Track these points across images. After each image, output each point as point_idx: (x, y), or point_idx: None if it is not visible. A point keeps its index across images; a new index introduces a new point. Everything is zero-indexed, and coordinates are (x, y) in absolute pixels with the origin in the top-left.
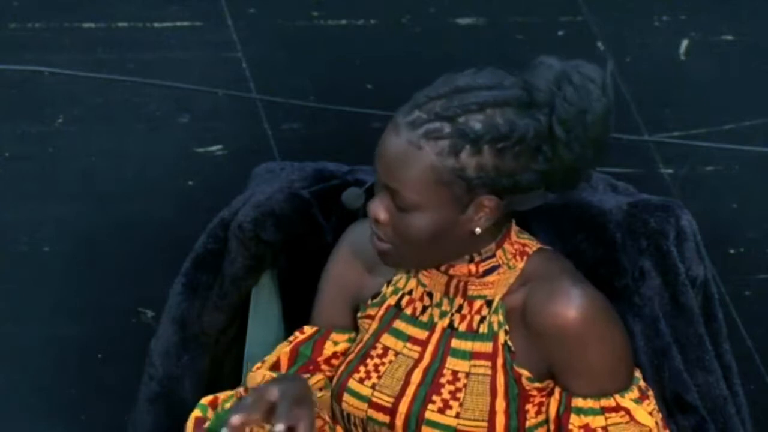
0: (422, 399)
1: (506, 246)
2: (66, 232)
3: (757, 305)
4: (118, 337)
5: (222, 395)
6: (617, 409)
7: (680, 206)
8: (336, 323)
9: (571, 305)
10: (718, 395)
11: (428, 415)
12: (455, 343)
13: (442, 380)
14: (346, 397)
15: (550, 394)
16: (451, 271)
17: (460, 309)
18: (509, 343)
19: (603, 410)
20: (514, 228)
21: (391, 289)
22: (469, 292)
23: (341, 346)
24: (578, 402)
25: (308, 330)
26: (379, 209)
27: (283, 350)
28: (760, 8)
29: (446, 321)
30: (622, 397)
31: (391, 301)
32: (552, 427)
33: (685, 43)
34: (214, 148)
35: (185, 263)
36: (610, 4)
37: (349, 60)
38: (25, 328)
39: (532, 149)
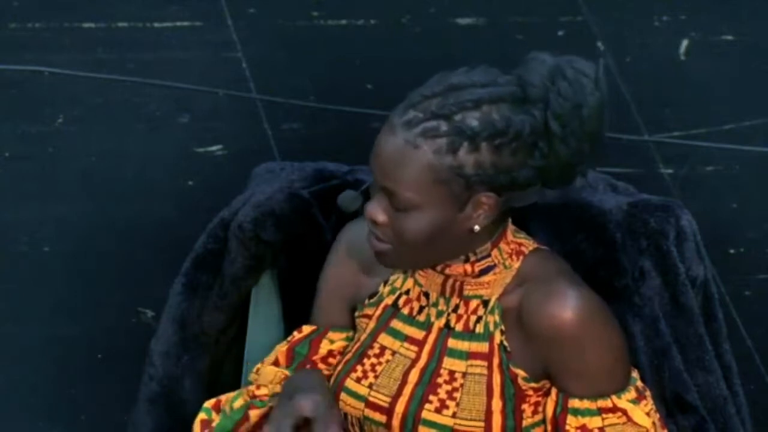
0: (419, 399)
1: (502, 245)
2: (66, 232)
3: (757, 305)
4: (118, 337)
5: (224, 397)
6: (614, 409)
7: (680, 206)
8: (334, 322)
9: (568, 306)
10: (718, 395)
11: (425, 414)
12: (452, 342)
13: (439, 380)
14: (343, 396)
15: (547, 393)
16: (447, 271)
17: (456, 309)
18: (505, 343)
19: (600, 411)
20: (510, 227)
21: (388, 288)
22: (465, 292)
23: (337, 345)
24: (575, 403)
25: (306, 329)
26: (376, 210)
27: (281, 349)
28: (760, 8)
29: (443, 321)
30: (619, 397)
31: (388, 300)
32: (549, 427)
33: (685, 43)
34: (214, 148)
35: (185, 263)
36: (610, 4)
37: (349, 60)
38: (25, 328)
39: (528, 145)
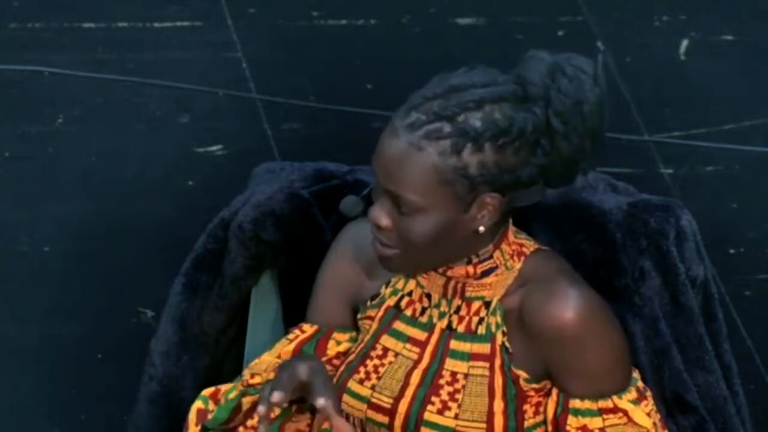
0: (421, 400)
1: (504, 247)
2: (66, 232)
3: (757, 305)
4: (118, 337)
5: (224, 387)
6: (615, 410)
7: (680, 206)
8: (336, 322)
9: (569, 307)
10: (718, 395)
11: (427, 416)
12: (454, 344)
13: (441, 381)
14: (345, 397)
15: (548, 394)
16: (449, 273)
17: (458, 310)
18: (507, 344)
19: (600, 411)
20: (512, 228)
21: (390, 290)
22: (467, 294)
23: (344, 346)
24: (576, 403)
25: (309, 329)
26: (380, 215)
27: (285, 348)
28: (760, 8)
29: (445, 322)
30: (620, 398)
31: (390, 302)
32: (550, 428)
33: (685, 43)
34: (214, 148)
35: (185, 263)
36: (610, 4)
37: (349, 60)
38: (25, 328)
39: (531, 143)
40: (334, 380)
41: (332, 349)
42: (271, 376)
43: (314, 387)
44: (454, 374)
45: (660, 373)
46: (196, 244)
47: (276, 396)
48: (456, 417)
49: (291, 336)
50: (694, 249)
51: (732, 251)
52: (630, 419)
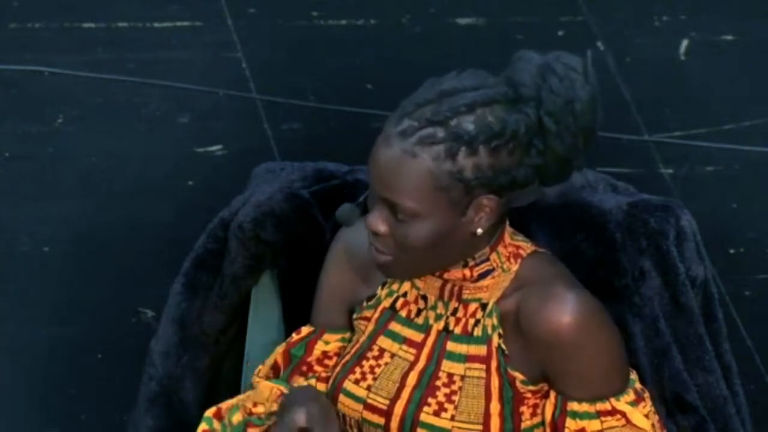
0: (417, 401)
1: (500, 249)
2: (66, 232)
3: (757, 305)
4: (118, 337)
5: (224, 406)
6: (613, 412)
7: (680, 206)
8: (331, 324)
9: (565, 310)
10: (718, 395)
11: (423, 417)
12: (450, 346)
13: (438, 383)
14: (341, 398)
15: (545, 396)
16: (445, 276)
17: (455, 312)
18: (503, 346)
19: (599, 414)
20: (508, 230)
21: (385, 291)
22: (464, 296)
23: (332, 346)
24: (573, 406)
25: (304, 330)
26: (377, 222)
27: (279, 351)
28: (760, 8)
29: (441, 324)
30: (618, 400)
31: (386, 303)
32: (548, 430)
33: (685, 43)
34: (214, 148)
35: (185, 263)
36: (610, 4)
37: (349, 60)
38: (25, 328)
39: (524, 144)
40: (329, 382)
41: (319, 349)
42: (274, 406)
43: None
44: (450, 376)
45: (660, 373)
46: (196, 244)
47: None
48: (452, 419)
49: (288, 339)
50: (694, 249)
51: (732, 251)
52: (628, 421)
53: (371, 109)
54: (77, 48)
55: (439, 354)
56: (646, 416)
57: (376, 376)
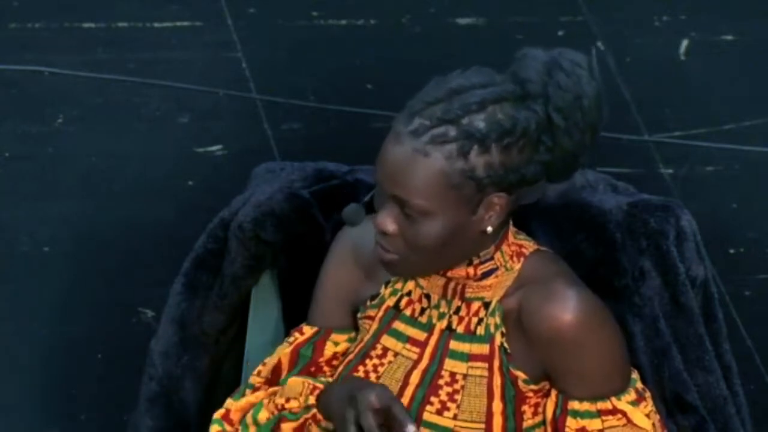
0: (420, 400)
1: (504, 248)
2: (66, 232)
3: (757, 305)
4: (118, 337)
5: (234, 407)
6: (614, 411)
7: (680, 206)
8: (335, 324)
9: (567, 308)
10: (718, 395)
11: (426, 416)
12: (453, 344)
13: (440, 382)
14: None
15: (547, 395)
16: (449, 274)
17: (458, 311)
18: (505, 345)
19: (599, 413)
20: (512, 229)
21: (389, 290)
22: (467, 294)
23: (341, 347)
24: (574, 405)
25: (308, 331)
26: (386, 221)
27: (284, 351)
28: (760, 8)
29: (444, 323)
30: (619, 399)
31: (390, 302)
32: (549, 429)
33: (685, 43)
34: (214, 148)
35: (185, 263)
36: (610, 4)
37: (349, 60)
38: (25, 328)
39: (534, 141)
40: (334, 379)
41: (329, 349)
42: (311, 400)
43: (397, 414)
44: (453, 375)
45: (660, 373)
46: (196, 244)
47: None
48: (455, 417)
49: (290, 339)
50: (694, 249)
51: (732, 251)
52: (629, 420)
53: (371, 109)
54: (77, 48)
55: (441, 353)
56: (647, 416)
57: (379, 375)
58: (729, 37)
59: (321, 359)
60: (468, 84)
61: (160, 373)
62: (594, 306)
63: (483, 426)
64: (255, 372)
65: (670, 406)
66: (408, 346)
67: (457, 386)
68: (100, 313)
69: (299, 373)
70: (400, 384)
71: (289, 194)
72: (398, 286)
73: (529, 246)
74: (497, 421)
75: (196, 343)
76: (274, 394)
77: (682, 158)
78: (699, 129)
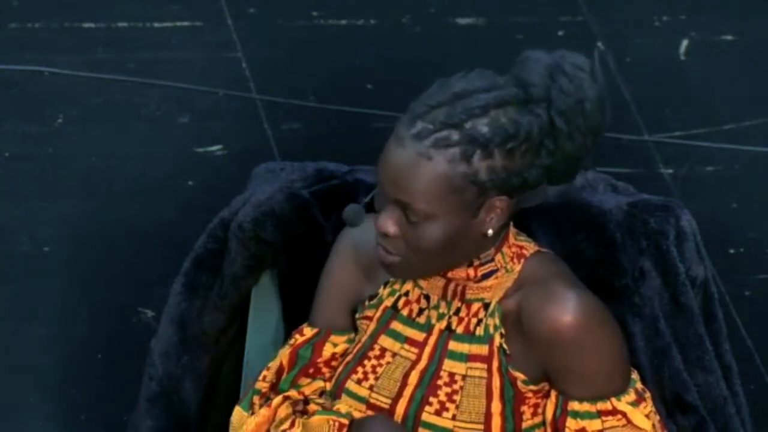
0: (419, 401)
1: (504, 249)
2: (66, 232)
3: (757, 305)
4: (118, 337)
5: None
6: (614, 412)
7: (680, 206)
8: (335, 325)
9: (567, 309)
10: (718, 395)
11: (425, 417)
12: (452, 345)
13: (439, 382)
14: (344, 398)
15: (546, 396)
16: (449, 275)
17: (458, 312)
18: (504, 346)
19: (599, 414)
20: (512, 230)
21: (387, 290)
22: (467, 296)
23: (340, 348)
24: (574, 405)
25: (308, 332)
26: (387, 223)
27: (284, 353)
28: (760, 8)
29: (444, 323)
30: (619, 400)
31: (388, 302)
32: (549, 430)
33: (685, 43)
34: (214, 148)
35: (185, 263)
36: (610, 4)
37: (349, 60)
38: (25, 328)
39: (536, 145)
40: (333, 381)
41: (328, 350)
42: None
43: None
44: (452, 375)
45: (660, 373)
46: (196, 244)
47: None
48: (454, 418)
49: (291, 341)
50: (694, 249)
51: (732, 251)
52: (629, 421)
53: (371, 109)
54: (77, 48)
55: (440, 353)
56: (647, 416)
57: (377, 375)
58: (729, 37)
59: (319, 360)
60: (471, 88)
61: (160, 373)
62: (594, 307)
63: (482, 426)
64: (260, 377)
65: (670, 406)
66: (406, 346)
67: (456, 387)
68: (100, 313)
69: (298, 374)
70: (398, 384)
71: (289, 194)
72: (396, 286)
73: (530, 247)
74: (496, 422)
75: (196, 343)
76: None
77: (682, 158)
78: (699, 129)
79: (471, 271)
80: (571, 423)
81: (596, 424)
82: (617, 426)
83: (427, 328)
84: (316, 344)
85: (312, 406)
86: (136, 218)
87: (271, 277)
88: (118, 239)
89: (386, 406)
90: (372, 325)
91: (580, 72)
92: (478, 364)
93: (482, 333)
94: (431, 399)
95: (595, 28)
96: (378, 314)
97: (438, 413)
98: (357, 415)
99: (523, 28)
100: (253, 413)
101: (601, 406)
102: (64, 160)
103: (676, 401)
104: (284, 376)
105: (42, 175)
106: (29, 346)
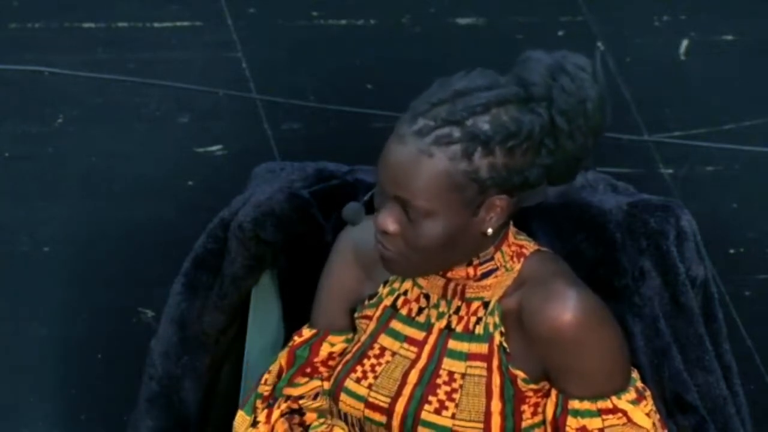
0: (418, 399)
1: (504, 248)
2: (66, 232)
3: (757, 305)
4: (118, 337)
5: None
6: (614, 410)
7: (680, 206)
8: (334, 325)
9: (567, 308)
10: (718, 395)
11: (424, 415)
12: (452, 344)
13: (439, 381)
14: (343, 396)
15: (546, 394)
16: (449, 274)
17: (457, 310)
18: (504, 344)
19: (600, 412)
20: (512, 229)
21: (387, 289)
22: (467, 294)
23: (338, 347)
24: (575, 404)
25: (306, 333)
26: (387, 221)
27: (283, 355)
28: (760, 8)
29: (443, 322)
30: (619, 398)
31: (387, 301)
32: (549, 429)
33: (685, 43)
34: (214, 148)
35: (185, 263)
36: (610, 4)
37: (349, 60)
38: (25, 328)
39: (537, 144)
40: (332, 380)
41: (325, 350)
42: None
43: None
44: (451, 374)
45: (660, 373)
46: (196, 244)
47: None
48: (453, 417)
49: (290, 342)
50: (694, 249)
51: (732, 251)
52: (629, 419)
53: (371, 109)
54: (77, 48)
55: (440, 352)
56: (648, 415)
57: (377, 374)
58: (729, 37)
59: (316, 359)
60: (472, 86)
61: (160, 373)
62: (594, 305)
63: (481, 425)
64: (262, 381)
65: (670, 406)
66: (406, 345)
67: (455, 385)
68: (100, 313)
69: (295, 373)
70: (398, 383)
71: (289, 194)
72: (396, 285)
73: (530, 246)
74: (496, 421)
75: (196, 343)
76: None
77: (682, 158)
78: (699, 129)
79: (470, 270)
80: (571, 421)
81: (597, 422)
82: (618, 424)
83: (427, 327)
84: (313, 344)
85: (309, 416)
86: (136, 218)
87: (271, 277)
88: (118, 239)
89: (385, 405)
90: (371, 324)
91: (581, 72)
92: (477, 363)
93: (482, 332)
94: (431, 398)
95: (595, 28)
96: (377, 313)
97: (437, 412)
98: (356, 414)
99: (523, 28)
100: (255, 417)
101: (601, 404)
102: (64, 160)
103: (676, 401)
104: (283, 376)
105: (42, 175)
106: (29, 346)
